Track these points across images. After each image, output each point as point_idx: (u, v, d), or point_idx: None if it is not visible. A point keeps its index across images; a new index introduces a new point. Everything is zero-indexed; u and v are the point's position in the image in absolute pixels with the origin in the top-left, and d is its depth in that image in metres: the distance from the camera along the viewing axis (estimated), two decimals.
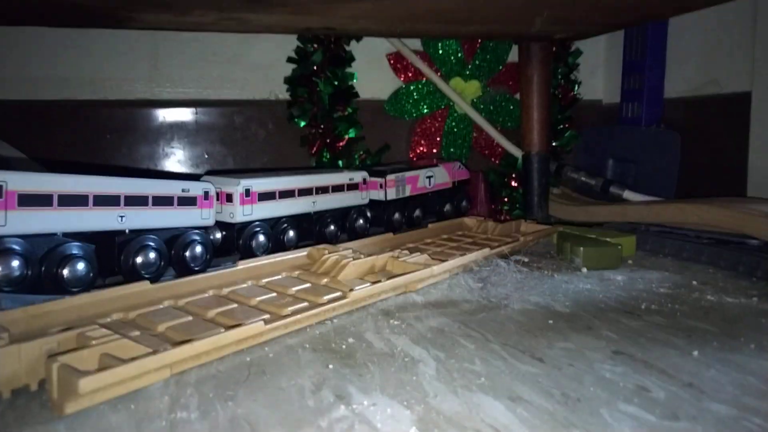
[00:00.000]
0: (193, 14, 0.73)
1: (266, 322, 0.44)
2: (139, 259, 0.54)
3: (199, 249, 0.59)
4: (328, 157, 0.99)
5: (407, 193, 0.85)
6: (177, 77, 0.96)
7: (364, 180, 0.80)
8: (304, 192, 0.72)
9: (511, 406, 0.36)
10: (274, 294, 0.52)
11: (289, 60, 0.98)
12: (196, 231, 0.59)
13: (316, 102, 0.98)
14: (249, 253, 0.65)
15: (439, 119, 1.10)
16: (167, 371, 0.37)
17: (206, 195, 0.60)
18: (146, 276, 0.54)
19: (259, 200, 0.66)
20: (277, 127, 1.00)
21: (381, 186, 0.82)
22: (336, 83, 0.98)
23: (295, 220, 0.71)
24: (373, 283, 0.54)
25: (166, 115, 0.95)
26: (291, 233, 0.71)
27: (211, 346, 0.40)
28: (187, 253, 0.58)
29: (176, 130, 0.96)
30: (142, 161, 0.94)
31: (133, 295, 0.49)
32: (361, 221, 0.80)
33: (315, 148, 0.99)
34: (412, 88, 1.07)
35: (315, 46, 0.97)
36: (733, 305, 0.56)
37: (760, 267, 0.65)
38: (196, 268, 0.58)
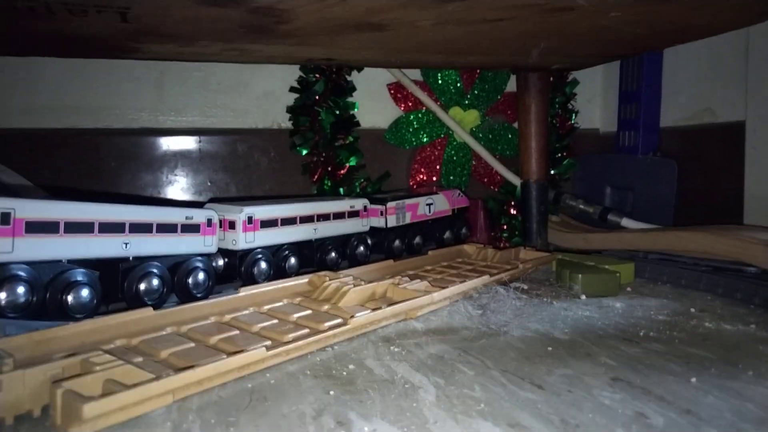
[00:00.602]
0: (197, 45, 0.75)
1: (268, 348, 0.44)
2: (142, 286, 0.55)
3: (201, 276, 0.59)
4: (329, 184, 1.00)
5: (408, 221, 0.86)
6: (181, 106, 0.98)
7: (365, 207, 0.81)
8: (306, 219, 0.73)
9: None
10: (276, 320, 0.52)
11: (292, 90, 1.00)
12: (199, 258, 0.60)
13: (318, 131, 0.99)
14: (251, 280, 0.66)
15: (439, 148, 1.12)
16: (170, 397, 0.38)
17: (209, 222, 0.61)
18: (149, 303, 0.55)
19: (261, 227, 0.67)
20: (279, 155, 1.02)
21: (382, 213, 0.83)
22: (337, 112, 1.00)
23: (297, 247, 0.72)
24: (374, 309, 0.55)
25: (170, 144, 0.97)
26: (292, 260, 0.71)
27: (213, 372, 0.40)
28: (190, 280, 0.58)
29: (180, 158, 0.97)
30: (146, 189, 0.95)
31: (136, 322, 0.49)
32: (361, 248, 0.81)
33: (316, 176, 1.00)
34: (411, 117, 1.09)
35: (317, 76, 0.99)
36: (731, 332, 0.56)
37: (757, 294, 0.66)
38: (199, 295, 0.59)
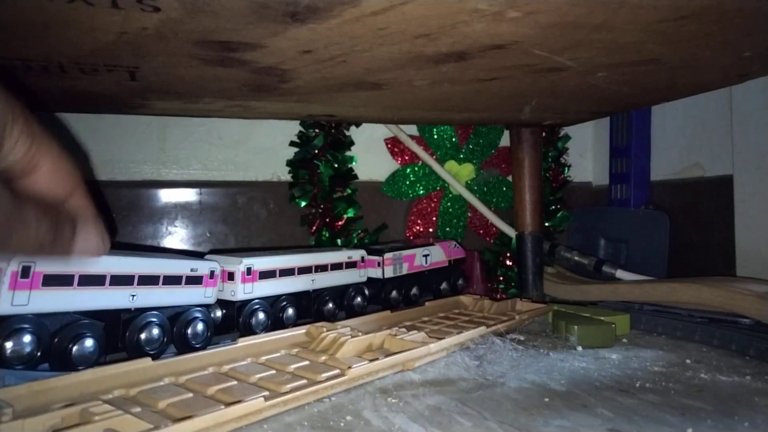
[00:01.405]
0: (201, 102, 0.78)
1: (266, 398, 0.44)
2: (143, 336, 0.55)
3: (200, 326, 0.60)
4: (327, 235, 1.01)
5: (405, 271, 0.86)
6: (183, 159, 1.00)
7: (362, 258, 0.82)
8: (304, 270, 0.73)
9: None
10: (273, 371, 0.53)
11: (292, 144, 1.03)
12: (198, 308, 0.61)
13: (317, 183, 1.02)
14: (249, 331, 0.66)
15: (435, 200, 1.14)
16: None
17: (212, 274, 0.62)
18: (150, 352, 0.55)
19: (260, 278, 0.67)
20: (278, 206, 1.04)
21: (379, 264, 0.83)
22: (336, 166, 1.02)
23: (295, 298, 0.72)
24: (371, 360, 0.55)
25: (171, 196, 0.98)
26: (290, 311, 0.71)
27: (211, 423, 0.40)
28: (189, 331, 0.59)
29: (180, 209, 0.99)
30: (146, 240, 0.96)
31: (135, 372, 0.49)
32: (359, 299, 0.81)
33: (315, 227, 1.02)
34: (408, 170, 1.12)
35: (316, 131, 1.02)
36: (727, 383, 0.56)
37: (752, 345, 0.66)
38: (197, 345, 0.59)
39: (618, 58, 0.61)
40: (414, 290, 0.89)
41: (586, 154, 1.27)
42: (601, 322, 0.73)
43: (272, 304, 0.70)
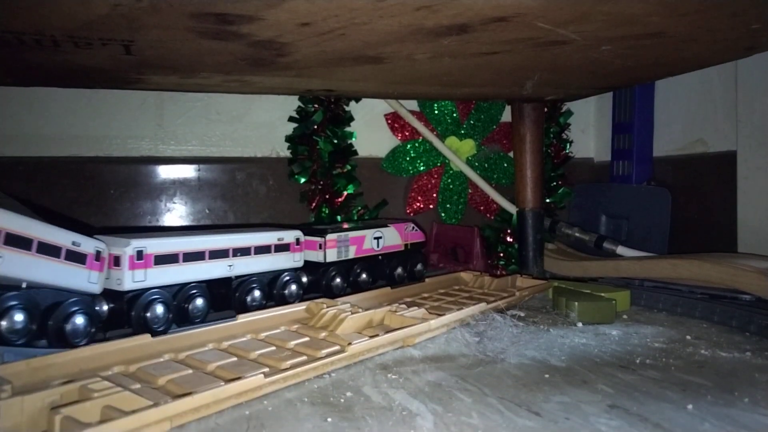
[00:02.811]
0: (198, 76, 0.77)
1: (266, 375, 0.44)
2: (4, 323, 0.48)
3: (81, 320, 0.52)
4: (327, 212, 1.01)
5: (351, 255, 0.79)
6: (181, 135, 0.99)
7: (298, 240, 0.74)
8: (218, 254, 0.64)
9: None
10: (273, 347, 0.53)
11: (291, 119, 1.02)
12: (78, 299, 0.53)
13: (316, 159, 1.01)
14: (144, 327, 0.57)
15: (435, 176, 1.13)
16: (168, 424, 0.38)
17: (98, 255, 0.54)
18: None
19: (155, 264, 0.58)
20: (277, 183, 1.03)
21: (320, 246, 0.75)
22: (335, 141, 1.01)
23: (208, 287, 0.64)
24: (371, 337, 0.55)
25: (170, 172, 0.98)
26: (199, 302, 0.62)
27: (211, 399, 0.40)
28: (68, 326, 0.52)
29: (179, 186, 0.98)
30: (145, 217, 0.96)
31: (134, 349, 0.49)
32: (293, 287, 0.72)
33: (314, 204, 1.01)
34: (408, 146, 1.11)
35: (315, 106, 1.00)
36: (727, 360, 0.56)
37: (753, 322, 0.66)
38: (81, 343, 0.52)
39: (623, 31, 0.60)
40: (363, 276, 0.82)
41: (588, 129, 1.26)
42: (601, 299, 0.73)
43: (176, 294, 0.61)
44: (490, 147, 1.17)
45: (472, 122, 1.14)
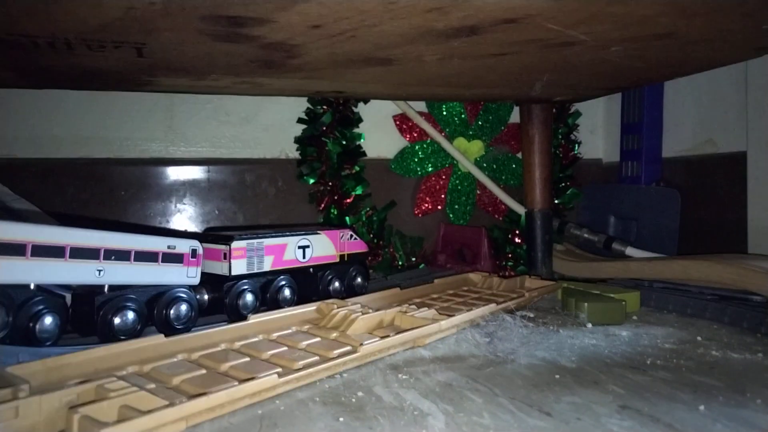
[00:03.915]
0: (209, 78, 0.77)
1: (279, 375, 0.44)
2: None
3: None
4: (335, 213, 1.01)
5: (266, 267, 0.68)
6: (191, 137, 1.00)
7: (194, 252, 0.60)
8: (84, 253, 0.51)
9: None
10: (285, 348, 0.53)
11: (300, 121, 1.02)
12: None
13: (325, 161, 1.01)
14: None
15: (444, 177, 1.13)
16: (183, 423, 0.38)
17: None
18: None
19: None
20: (286, 184, 1.03)
21: (225, 256, 0.64)
22: (344, 143, 1.02)
23: (63, 297, 0.53)
24: (382, 337, 0.55)
25: (180, 173, 0.98)
26: (48, 320, 0.50)
27: (226, 399, 0.40)
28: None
29: (189, 187, 0.99)
30: (155, 218, 0.97)
31: (148, 349, 0.50)
32: (183, 308, 0.59)
33: (323, 205, 1.02)
34: (417, 147, 1.11)
35: (324, 107, 1.01)
36: (738, 361, 0.56)
37: (764, 323, 0.66)
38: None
39: (633, 31, 0.60)
40: (285, 293, 0.70)
41: (597, 130, 1.26)
42: (611, 300, 0.73)
43: (22, 305, 0.49)
44: (499, 148, 1.17)
45: (480, 123, 1.14)
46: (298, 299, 0.72)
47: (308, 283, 0.75)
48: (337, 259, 0.77)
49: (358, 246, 0.81)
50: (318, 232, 0.75)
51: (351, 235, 0.79)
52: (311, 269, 0.74)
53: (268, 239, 0.68)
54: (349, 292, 0.78)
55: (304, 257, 0.72)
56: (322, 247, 0.75)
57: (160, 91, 0.90)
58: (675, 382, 0.50)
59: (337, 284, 0.77)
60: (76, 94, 0.91)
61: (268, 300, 0.69)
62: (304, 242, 0.72)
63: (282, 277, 0.71)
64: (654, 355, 0.58)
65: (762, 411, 0.44)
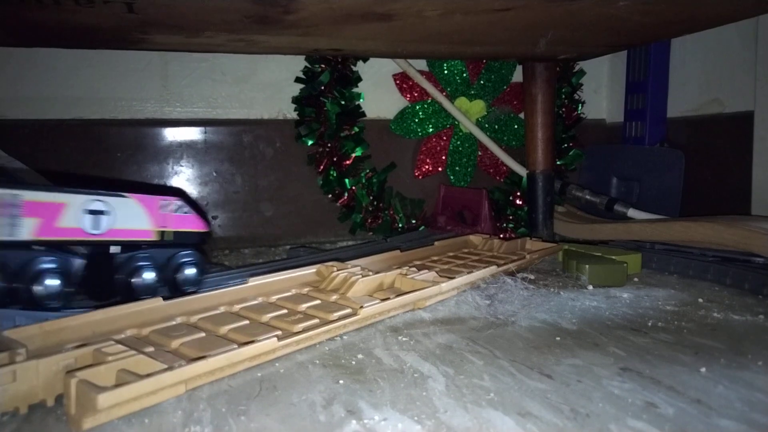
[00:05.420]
0: (203, 36, 0.75)
1: (279, 338, 0.44)
2: None
3: None
4: (334, 175, 1.00)
5: (24, 236, 0.46)
6: (187, 97, 0.97)
7: None
8: None
9: (521, 421, 0.36)
10: (285, 311, 0.53)
11: (297, 80, 1.00)
12: None
13: (324, 121, 0.99)
14: None
15: (445, 138, 1.12)
16: (182, 387, 0.38)
17: None
18: None
19: None
20: (284, 145, 1.02)
21: None
22: (343, 103, 1.00)
23: None
24: (382, 300, 0.55)
25: (176, 134, 0.97)
26: None
27: (225, 363, 0.40)
28: None
29: (185, 148, 0.97)
30: (152, 179, 0.95)
31: (146, 312, 0.49)
32: None
33: (322, 167, 1.01)
34: (417, 107, 1.09)
35: (322, 66, 0.98)
36: (740, 323, 0.56)
37: (766, 285, 0.66)
38: None
39: None
40: (48, 281, 0.48)
41: (601, 90, 1.23)
42: (612, 261, 0.73)
43: None
44: (501, 108, 1.15)
45: (482, 82, 1.12)
46: (74, 294, 0.50)
47: (99, 269, 0.52)
48: (153, 237, 0.55)
49: (190, 222, 0.58)
50: (124, 195, 0.53)
51: (179, 206, 0.57)
52: (108, 248, 0.52)
53: (29, 192, 0.46)
54: (170, 288, 0.57)
55: (97, 228, 0.50)
56: (128, 217, 0.53)
57: (154, 49, 0.88)
58: (676, 344, 0.50)
59: (149, 274, 0.55)
60: (67, 52, 0.89)
61: (16, 291, 0.46)
62: (96, 204, 0.50)
63: (52, 255, 0.47)
64: (655, 317, 0.57)
65: (763, 373, 0.44)
